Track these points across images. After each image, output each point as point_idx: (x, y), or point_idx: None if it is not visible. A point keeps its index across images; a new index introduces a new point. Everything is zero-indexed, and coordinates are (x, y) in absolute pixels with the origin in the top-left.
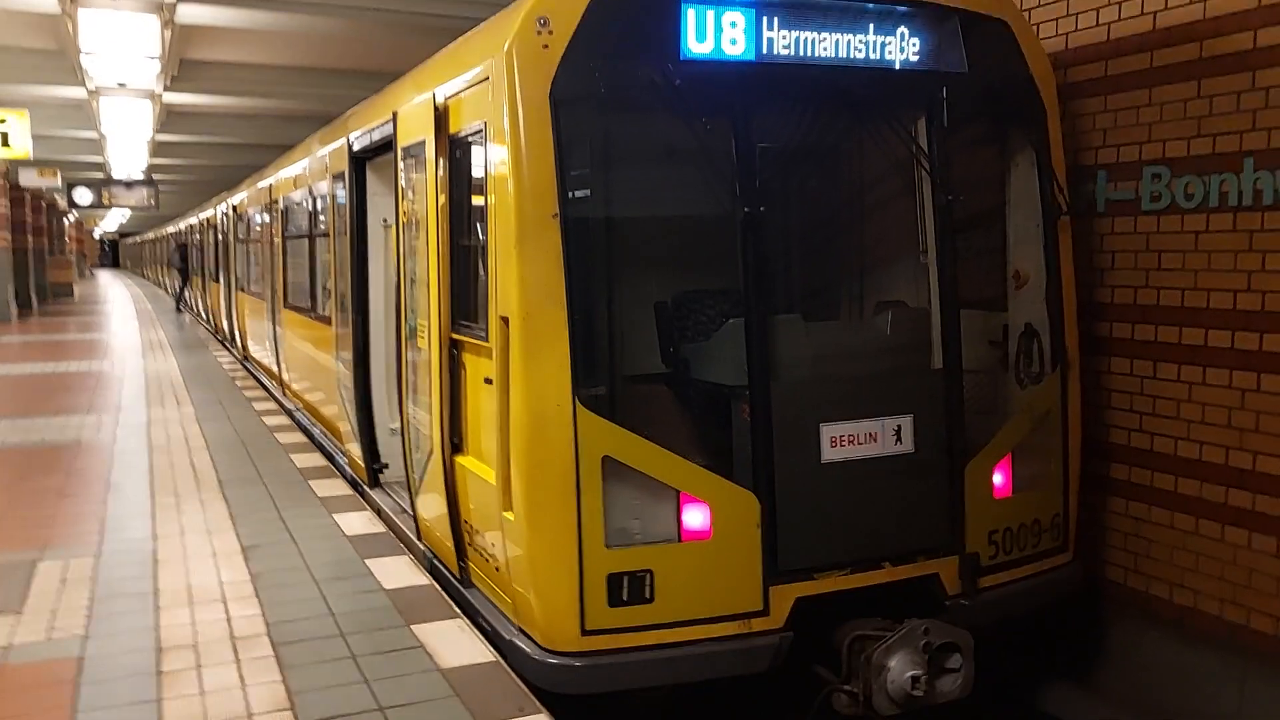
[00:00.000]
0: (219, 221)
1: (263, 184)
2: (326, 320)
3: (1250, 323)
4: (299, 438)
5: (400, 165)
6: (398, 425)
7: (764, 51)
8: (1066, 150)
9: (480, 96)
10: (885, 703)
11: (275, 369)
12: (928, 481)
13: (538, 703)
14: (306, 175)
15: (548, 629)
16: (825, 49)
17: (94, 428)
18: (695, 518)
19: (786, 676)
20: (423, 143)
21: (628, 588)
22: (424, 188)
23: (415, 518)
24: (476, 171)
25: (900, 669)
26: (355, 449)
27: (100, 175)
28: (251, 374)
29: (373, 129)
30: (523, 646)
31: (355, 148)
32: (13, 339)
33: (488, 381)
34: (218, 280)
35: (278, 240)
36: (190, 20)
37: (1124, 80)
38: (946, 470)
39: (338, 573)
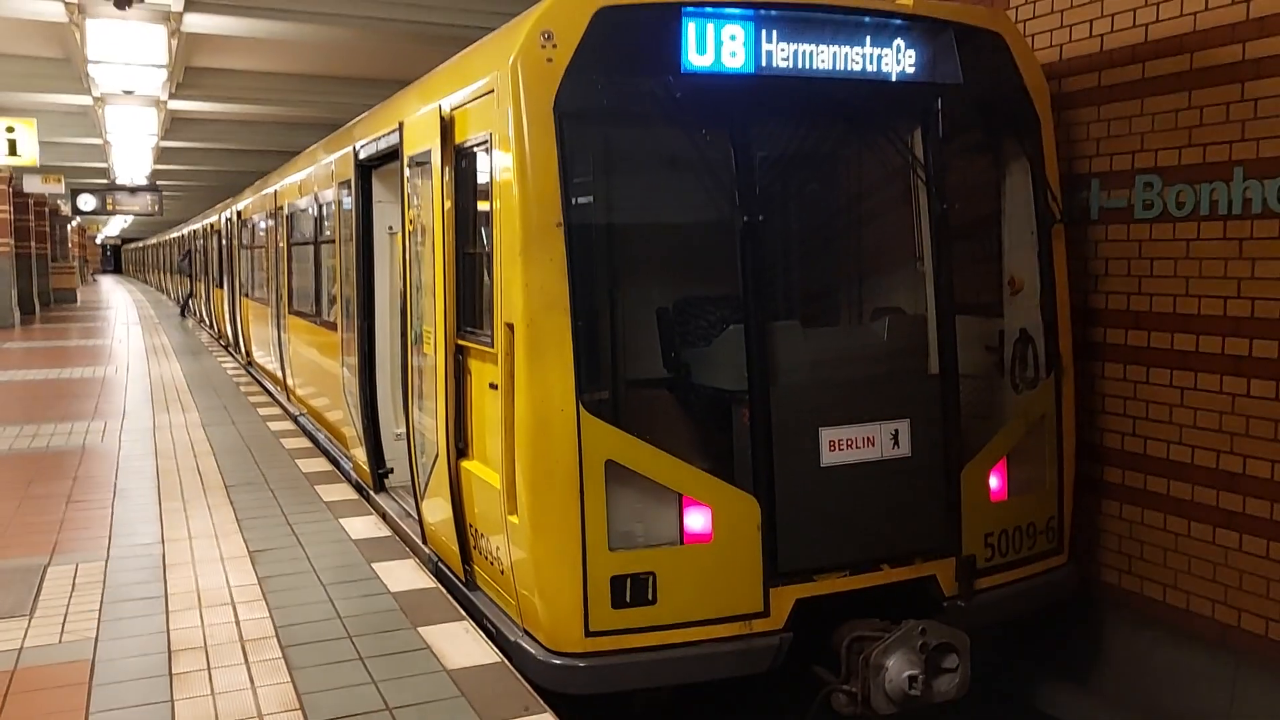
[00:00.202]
0: (223, 227)
1: (268, 191)
2: (332, 326)
3: (1240, 329)
4: (304, 443)
5: (406, 174)
6: (403, 430)
7: (763, 64)
8: (1061, 159)
9: (486, 108)
10: (883, 702)
11: (280, 374)
12: (925, 485)
13: (542, 702)
14: (312, 183)
15: (552, 630)
16: (823, 61)
17: (99, 433)
18: (697, 521)
19: (786, 677)
20: (429, 152)
21: (631, 590)
22: (430, 196)
23: (420, 522)
24: (482, 181)
25: (898, 669)
26: (360, 454)
27: (104, 181)
28: (255, 379)
29: (379, 138)
30: (528, 648)
31: (361, 156)
32: (16, 345)
33: (492, 387)
34: (221, 286)
35: (283, 247)
36: (196, 29)
37: (1117, 90)
38: (943, 474)
39: (344, 576)
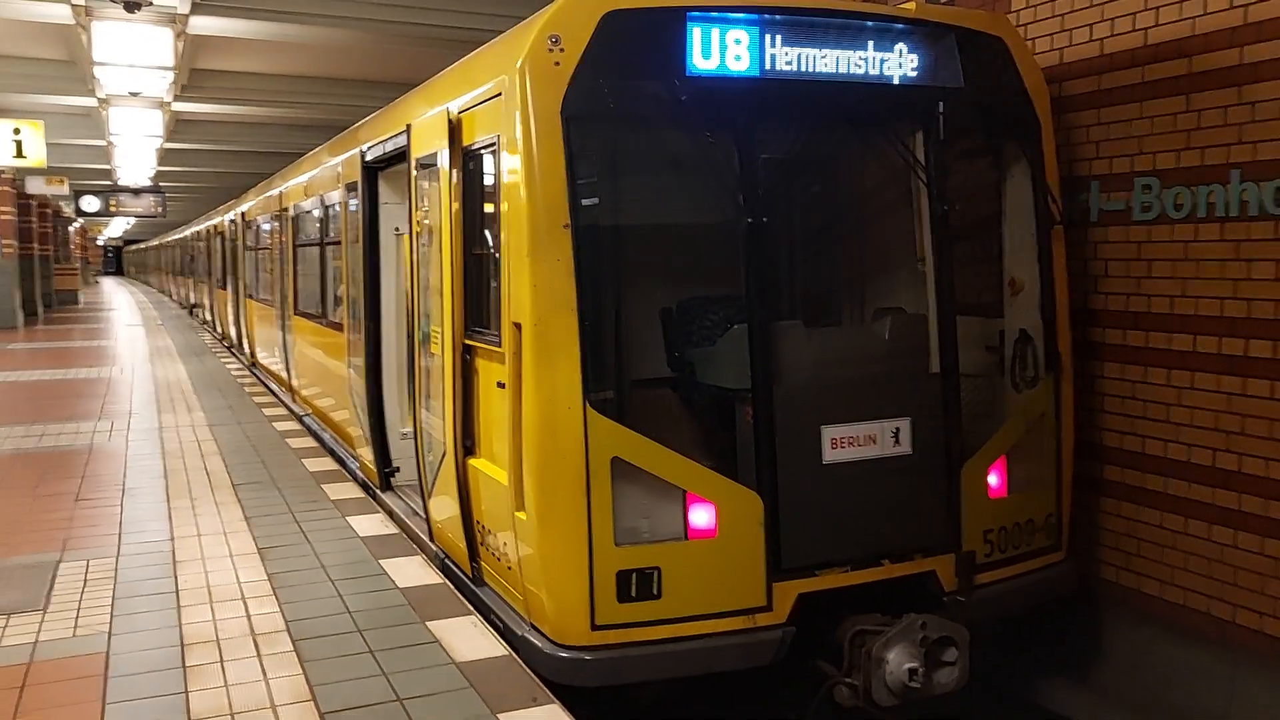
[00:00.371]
0: (226, 229)
1: (272, 192)
2: (338, 327)
3: (1237, 329)
4: (310, 442)
5: (414, 176)
6: (409, 430)
7: (767, 68)
8: (1061, 161)
9: (493, 111)
10: (884, 694)
11: (285, 375)
12: (925, 482)
13: (549, 693)
14: (318, 184)
15: (559, 624)
16: (826, 65)
17: (106, 433)
18: (701, 517)
19: (789, 670)
20: (436, 154)
21: (636, 584)
22: (437, 198)
23: (427, 519)
24: (489, 183)
25: (899, 662)
26: (367, 453)
27: (107, 183)
28: (260, 380)
29: (386, 140)
30: (535, 641)
31: (368, 158)
32: (21, 346)
33: (500, 386)
34: (225, 287)
35: (288, 248)
36: (202, 31)
37: (1116, 94)
38: (943, 471)
39: (352, 572)
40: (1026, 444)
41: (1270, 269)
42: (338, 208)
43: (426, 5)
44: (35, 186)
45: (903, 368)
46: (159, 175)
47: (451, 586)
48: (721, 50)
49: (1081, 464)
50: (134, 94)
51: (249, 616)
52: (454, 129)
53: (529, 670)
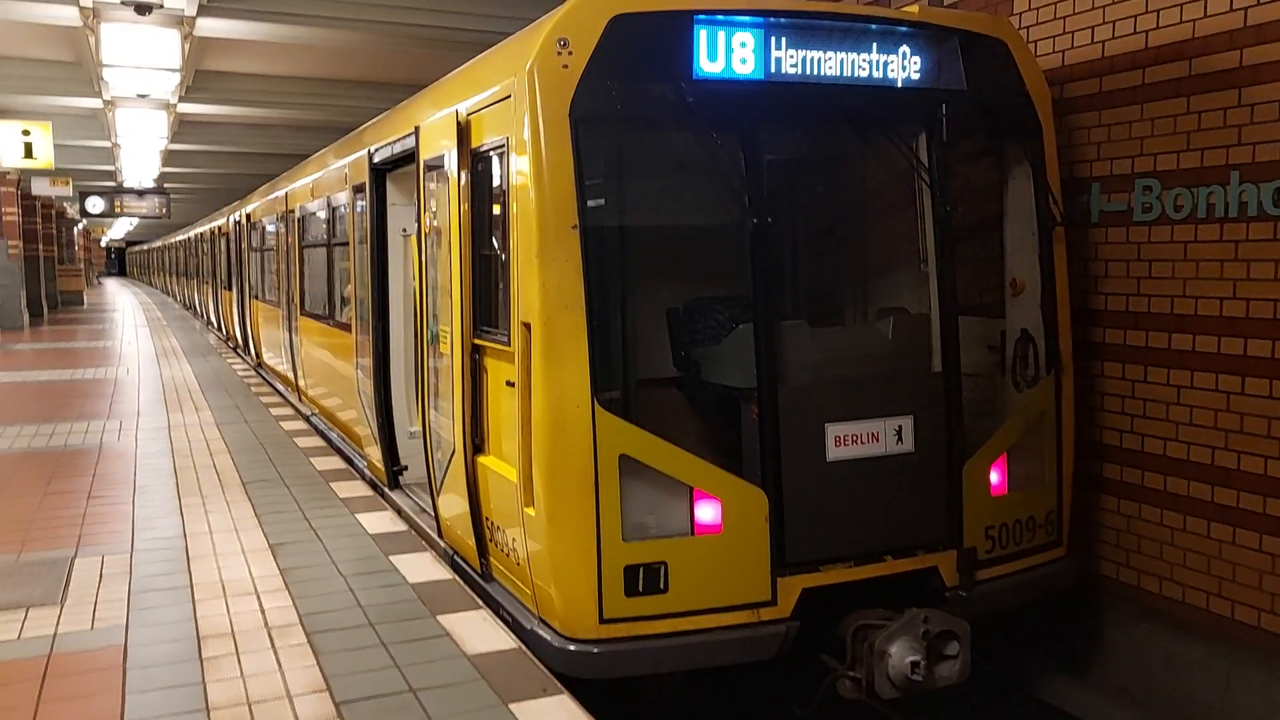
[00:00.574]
0: (231, 230)
1: (278, 193)
2: (346, 327)
3: (1236, 329)
4: (317, 441)
5: (422, 177)
6: (417, 429)
7: (772, 70)
8: (1063, 163)
9: (502, 113)
10: (887, 687)
11: (291, 375)
12: (927, 479)
13: (559, 684)
14: (325, 185)
15: (567, 618)
16: (831, 68)
17: (115, 432)
18: (707, 513)
19: (793, 663)
20: (445, 156)
21: (643, 579)
22: (446, 199)
23: (436, 516)
24: (498, 184)
25: (901, 655)
26: (375, 452)
27: (111, 184)
28: (266, 380)
29: (394, 142)
30: (543, 635)
31: (376, 159)
32: (27, 346)
33: (509, 384)
34: (230, 288)
35: (295, 249)
36: (208, 33)
37: (1117, 96)
38: (945, 468)
39: (363, 568)
40: (1027, 442)
41: (1269, 269)
42: (345, 209)
43: (431, 7)
44: (40, 188)
45: (905, 367)
46: (163, 176)
47: (460, 582)
48: (727, 53)
49: (1082, 462)
50: (141, 96)
51: (263, 610)
52: (462, 131)
53: (538, 663)
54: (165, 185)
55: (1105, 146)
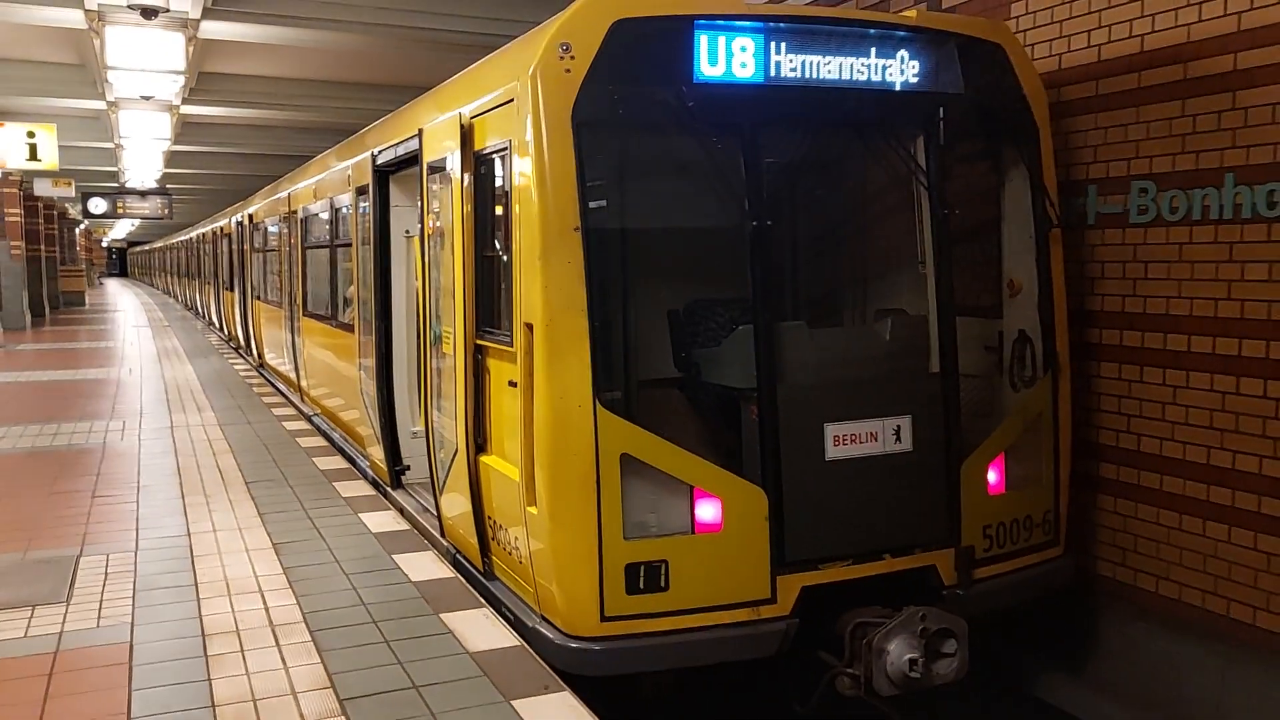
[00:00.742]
0: (234, 231)
1: (280, 195)
2: (348, 328)
3: (1230, 329)
4: (319, 441)
5: (425, 179)
6: (419, 429)
7: (772, 74)
8: (1060, 165)
9: (505, 116)
10: (885, 684)
11: (293, 375)
12: (925, 478)
13: (560, 681)
14: (328, 187)
15: (569, 615)
16: (830, 71)
17: (118, 432)
18: (707, 511)
19: (793, 661)
20: (448, 158)
21: (644, 577)
22: (449, 201)
23: (439, 515)
24: (501, 186)
25: (899, 653)
26: (377, 452)
27: (113, 185)
28: (268, 380)
29: (397, 144)
30: (545, 632)
31: (379, 161)
32: (30, 347)
33: (512, 385)
34: (232, 289)
35: (297, 250)
36: (212, 35)
37: (1113, 99)
38: (943, 468)
39: (366, 566)
40: (1025, 442)
41: (1263, 270)
42: (348, 210)
43: (433, 10)
44: (43, 189)
45: (903, 367)
46: (165, 177)
47: (463, 580)
48: (728, 57)
49: (1079, 461)
50: (145, 98)
51: (267, 608)
52: (466, 133)
53: (540, 660)
54: (167, 186)
55: (1102, 149)
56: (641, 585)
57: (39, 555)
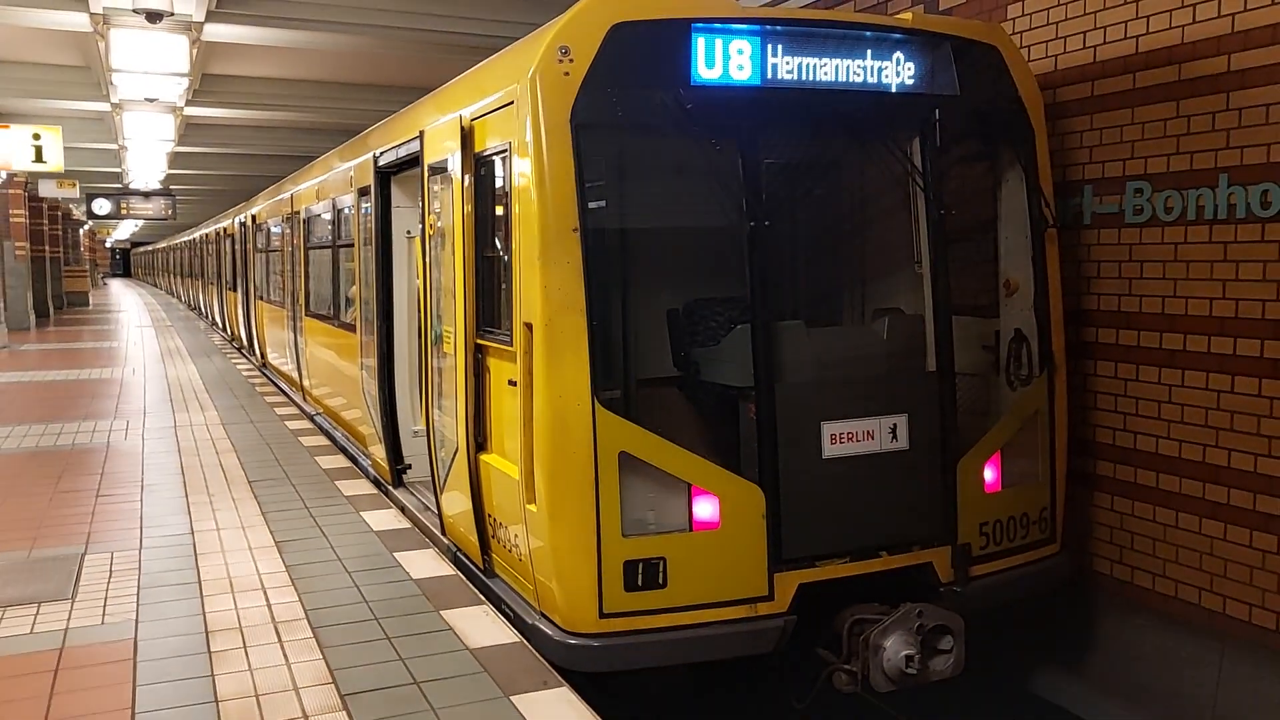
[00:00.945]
0: (237, 231)
1: (283, 195)
2: (350, 328)
3: (1225, 328)
4: (322, 440)
5: (426, 180)
6: (421, 428)
7: (769, 76)
8: (1056, 166)
9: (505, 118)
10: (882, 680)
11: (296, 375)
12: (922, 476)
13: (559, 677)
14: (330, 188)
15: (568, 612)
16: (826, 74)
17: (122, 431)
18: (705, 509)
19: (790, 657)
20: (449, 160)
21: (643, 573)
22: (450, 202)
23: (440, 514)
24: (501, 187)
25: (896, 649)
26: (379, 450)
27: (117, 186)
28: (271, 380)
29: (399, 146)
30: (545, 629)
31: (381, 163)
32: (34, 347)
33: (511, 384)
34: (235, 289)
35: (300, 251)
36: (216, 38)
37: (1109, 100)
38: (939, 466)
39: (367, 564)
40: (1021, 440)
41: (1257, 270)
42: (350, 211)
43: (435, 12)
44: (47, 190)
45: (900, 366)
46: (169, 178)
47: (463, 578)
48: (725, 60)
49: (1075, 460)
50: (149, 99)
51: (269, 605)
52: (466, 135)
53: (539, 656)
54: (171, 187)
55: (1097, 150)
56: (640, 582)
57: (44, 553)
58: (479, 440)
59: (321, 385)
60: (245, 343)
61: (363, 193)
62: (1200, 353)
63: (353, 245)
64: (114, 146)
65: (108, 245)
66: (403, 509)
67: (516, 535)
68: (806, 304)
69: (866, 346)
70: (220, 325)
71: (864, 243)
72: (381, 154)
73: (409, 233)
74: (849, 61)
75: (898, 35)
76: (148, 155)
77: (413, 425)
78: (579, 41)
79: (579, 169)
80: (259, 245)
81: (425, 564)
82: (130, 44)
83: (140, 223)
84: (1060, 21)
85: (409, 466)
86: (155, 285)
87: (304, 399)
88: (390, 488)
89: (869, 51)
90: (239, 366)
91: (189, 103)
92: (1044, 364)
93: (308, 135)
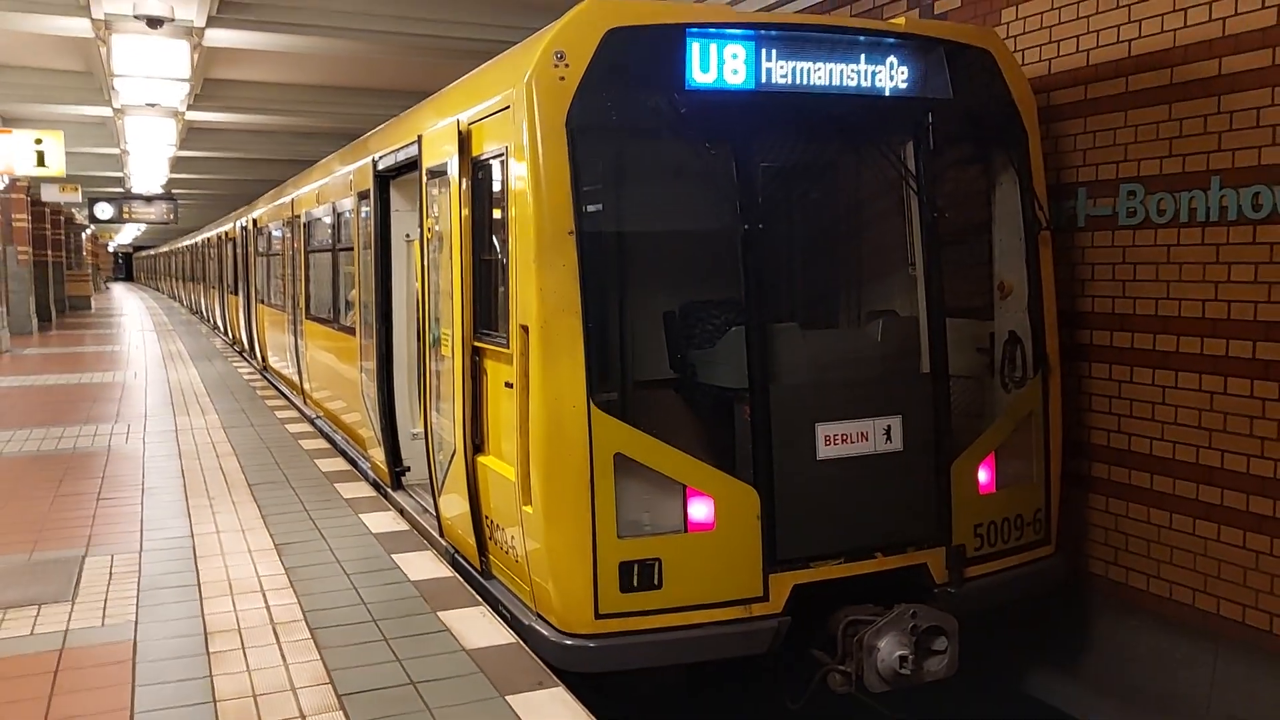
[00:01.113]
0: (238, 235)
1: (284, 199)
2: (350, 331)
3: (1218, 330)
4: (322, 444)
5: (424, 184)
6: (419, 430)
7: (763, 81)
8: (1050, 169)
9: (502, 123)
10: (876, 681)
11: (296, 378)
12: (916, 477)
13: (555, 677)
14: (330, 192)
15: (564, 613)
16: (820, 78)
17: (123, 435)
18: (700, 510)
19: (785, 658)
20: (446, 163)
21: (638, 575)
22: (448, 205)
23: (438, 515)
24: (497, 191)
25: (890, 650)
26: (378, 453)
27: (119, 190)
28: (271, 383)
29: (397, 150)
30: (541, 630)
31: (380, 167)
32: (36, 351)
33: (508, 386)
34: (236, 293)
35: (300, 254)
36: (217, 43)
37: (1102, 103)
38: (934, 467)
39: (366, 566)
40: (1015, 442)
41: (1249, 272)
42: (350, 215)
43: (433, 17)
44: (50, 194)
45: (894, 368)
46: (171, 182)
47: (461, 579)
48: (719, 65)
49: (1070, 461)
50: (151, 104)
51: (268, 607)
52: (464, 139)
53: (535, 657)
54: (173, 191)
55: (1091, 153)
56: (635, 583)
57: (45, 556)
58: (476, 442)
59: (322, 388)
60: (246, 346)
61: (362, 196)
62: (1193, 354)
63: (352, 249)
64: (116, 151)
65: (110, 249)
66: (401, 511)
67: (513, 537)
68: (801, 306)
69: (861, 348)
70: (222, 329)
71: (858, 245)
72: (380, 158)
73: (408, 236)
74: (843, 66)
75: (891, 40)
76: (149, 160)
77: (411, 428)
78: (574, 46)
79: (574, 173)
80: (260, 249)
81: (423, 566)
82: (132, 49)
83: (142, 227)
84: (1054, 25)
85: (408, 469)
86: (157, 289)
87: (304, 402)
88: (389, 490)
89: (863, 56)
90: (240, 370)
91: (190, 107)
92: (1038, 366)
93: (308, 139)
